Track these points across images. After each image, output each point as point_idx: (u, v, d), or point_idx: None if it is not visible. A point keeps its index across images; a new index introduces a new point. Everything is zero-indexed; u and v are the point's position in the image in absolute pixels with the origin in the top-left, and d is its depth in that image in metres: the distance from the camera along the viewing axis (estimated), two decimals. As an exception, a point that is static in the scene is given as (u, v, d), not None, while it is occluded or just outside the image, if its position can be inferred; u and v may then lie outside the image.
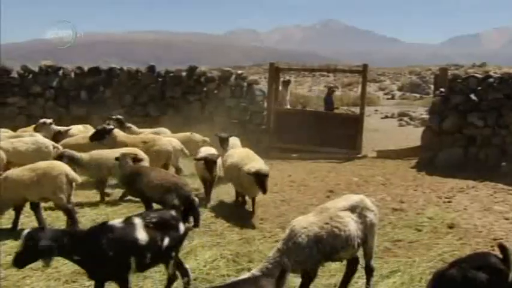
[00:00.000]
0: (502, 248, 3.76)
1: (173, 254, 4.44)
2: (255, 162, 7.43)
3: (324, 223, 4.35)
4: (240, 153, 7.99)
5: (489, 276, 3.62)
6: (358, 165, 11.75)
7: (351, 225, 4.42)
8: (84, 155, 7.94)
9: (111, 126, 9.18)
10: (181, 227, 4.44)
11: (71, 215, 6.46)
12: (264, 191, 7.05)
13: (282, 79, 14.86)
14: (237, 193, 8.07)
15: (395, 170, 11.00)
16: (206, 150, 8.47)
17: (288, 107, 14.67)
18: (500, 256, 3.73)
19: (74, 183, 6.54)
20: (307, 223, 4.36)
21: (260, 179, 6.94)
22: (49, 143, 8.73)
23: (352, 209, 4.53)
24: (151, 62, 15.45)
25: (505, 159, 10.23)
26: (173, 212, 4.55)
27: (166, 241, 4.29)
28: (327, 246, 4.31)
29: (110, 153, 7.89)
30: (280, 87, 14.58)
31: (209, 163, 7.84)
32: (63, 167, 6.58)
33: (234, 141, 9.45)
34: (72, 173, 6.54)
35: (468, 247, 6.03)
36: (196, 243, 5.96)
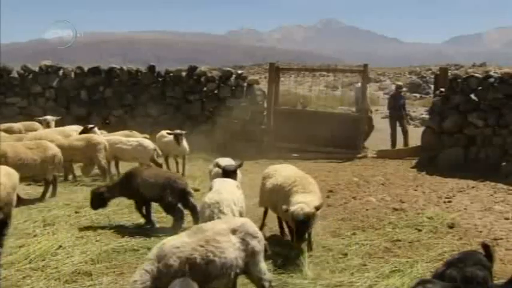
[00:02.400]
0: (486, 246, 4.09)
1: None
2: (310, 196, 5.69)
3: (198, 245, 3.82)
4: (288, 173, 6.24)
5: (483, 273, 3.78)
6: (358, 165, 11.77)
7: (229, 252, 3.90)
8: None
9: None
10: None
11: None
12: (298, 238, 5.49)
13: (363, 74, 13.74)
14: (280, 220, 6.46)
15: (396, 170, 11.00)
16: (224, 161, 7.16)
17: (369, 104, 14.15)
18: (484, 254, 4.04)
19: None
20: (180, 243, 3.84)
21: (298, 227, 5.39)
22: None
23: (233, 233, 4.02)
24: (153, 62, 15.48)
25: (505, 159, 10.21)
26: None
27: None
28: (199, 272, 3.75)
29: None
30: (359, 84, 14.14)
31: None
32: None
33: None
34: None
35: (468, 247, 6.01)
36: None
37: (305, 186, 5.84)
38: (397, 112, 13.62)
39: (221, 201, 5.01)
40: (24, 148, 7.82)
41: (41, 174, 8.14)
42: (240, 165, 6.56)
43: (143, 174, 6.82)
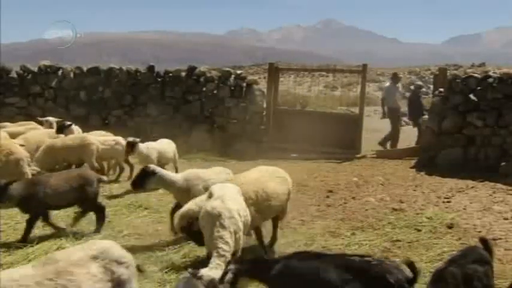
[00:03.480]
0: (484, 241, 4.14)
1: None
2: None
3: (45, 279, 3.16)
4: (250, 174, 5.98)
5: (484, 268, 3.83)
6: (358, 165, 11.76)
7: (87, 285, 3.27)
8: None
9: None
10: None
11: None
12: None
13: (392, 73, 13.39)
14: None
15: (395, 170, 11.00)
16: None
17: (399, 104, 13.97)
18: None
19: None
20: (19, 275, 3.17)
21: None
22: None
23: (93, 261, 3.38)
24: (153, 62, 15.50)
25: (504, 159, 10.21)
26: None
27: None
28: None
29: None
30: (388, 83, 13.88)
31: None
32: None
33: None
34: None
35: (467, 247, 6.03)
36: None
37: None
38: (416, 113, 13.57)
39: (223, 213, 4.54)
40: None
41: (6, 178, 7.95)
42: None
43: (50, 182, 6.21)
